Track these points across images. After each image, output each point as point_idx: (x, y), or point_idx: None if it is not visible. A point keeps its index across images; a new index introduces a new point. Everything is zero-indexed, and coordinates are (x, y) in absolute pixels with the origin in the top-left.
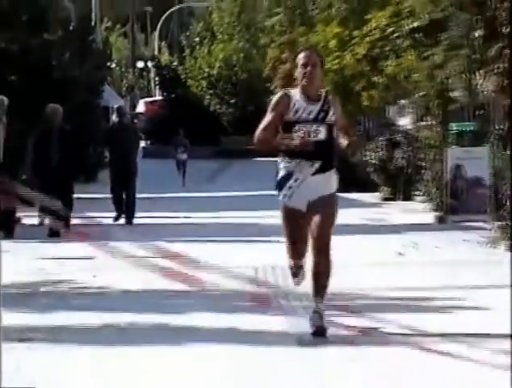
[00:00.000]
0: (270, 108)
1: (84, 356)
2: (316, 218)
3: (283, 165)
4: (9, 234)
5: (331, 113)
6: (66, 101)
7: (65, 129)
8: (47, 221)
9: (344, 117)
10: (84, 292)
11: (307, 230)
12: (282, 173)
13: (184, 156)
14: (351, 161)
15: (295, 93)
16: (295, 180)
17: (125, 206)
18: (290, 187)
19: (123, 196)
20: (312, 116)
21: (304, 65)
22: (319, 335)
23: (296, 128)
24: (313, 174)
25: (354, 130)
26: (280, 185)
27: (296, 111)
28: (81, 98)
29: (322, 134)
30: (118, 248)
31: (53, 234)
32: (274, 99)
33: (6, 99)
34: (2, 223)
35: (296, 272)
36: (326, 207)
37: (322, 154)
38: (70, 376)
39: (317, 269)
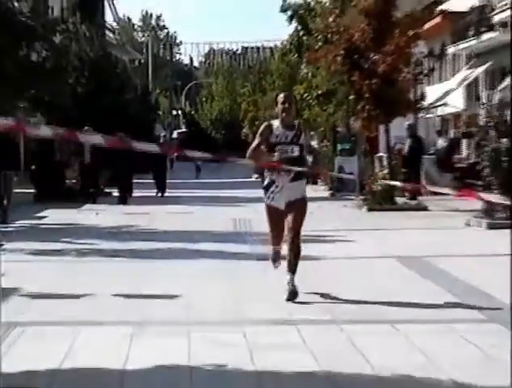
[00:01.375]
0: (258, 134)
1: (142, 263)
2: (291, 214)
3: (267, 175)
4: (94, 201)
5: (302, 137)
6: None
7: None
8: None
9: (309, 141)
10: (143, 231)
11: (283, 223)
12: (267, 181)
13: (199, 163)
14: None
15: (276, 123)
16: (277, 186)
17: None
18: (272, 192)
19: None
20: (288, 139)
21: (283, 103)
22: (294, 297)
23: (277, 148)
24: (290, 181)
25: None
26: (266, 190)
27: (277, 136)
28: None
29: (296, 152)
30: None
31: (121, 202)
32: (261, 127)
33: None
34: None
35: (275, 257)
36: (299, 206)
37: (296, 166)
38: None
39: (291, 250)
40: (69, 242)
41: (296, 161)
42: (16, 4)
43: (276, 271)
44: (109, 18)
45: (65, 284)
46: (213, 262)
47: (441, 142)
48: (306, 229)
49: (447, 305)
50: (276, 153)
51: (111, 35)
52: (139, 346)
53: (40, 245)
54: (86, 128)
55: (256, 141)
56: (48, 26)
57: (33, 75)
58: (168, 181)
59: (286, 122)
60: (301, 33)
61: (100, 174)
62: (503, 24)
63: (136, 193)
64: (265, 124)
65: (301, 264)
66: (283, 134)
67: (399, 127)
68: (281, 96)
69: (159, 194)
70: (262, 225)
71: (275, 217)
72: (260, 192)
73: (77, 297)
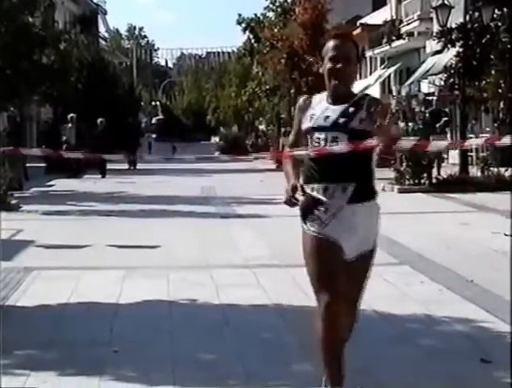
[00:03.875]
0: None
1: (130, 221)
2: (351, 271)
3: (306, 187)
4: (103, 176)
5: (360, 118)
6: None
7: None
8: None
9: (390, 128)
10: (130, 196)
11: (341, 274)
12: (304, 198)
13: (175, 144)
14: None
15: (321, 97)
16: (326, 211)
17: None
18: (318, 218)
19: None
20: (330, 123)
21: (334, 59)
22: None
23: (311, 136)
24: (349, 202)
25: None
26: (305, 212)
27: (311, 118)
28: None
29: (343, 144)
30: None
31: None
32: (297, 105)
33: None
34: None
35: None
36: (365, 260)
37: (354, 174)
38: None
39: (337, 328)
40: (73, 204)
41: (346, 164)
42: (31, 19)
43: (236, 226)
44: (102, 29)
45: (71, 237)
46: (186, 220)
47: None
48: (259, 194)
49: None
50: (308, 148)
51: (103, 42)
52: (129, 285)
53: (50, 207)
54: (71, 116)
55: (292, 134)
56: (55, 36)
57: (44, 75)
58: (149, 157)
59: (336, 94)
60: (253, 41)
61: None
62: (409, 34)
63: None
64: (301, 99)
65: (257, 221)
66: (323, 113)
67: None
68: (331, 44)
69: (131, 167)
70: (224, 191)
71: (327, 259)
72: (222, 165)
73: (80, 247)
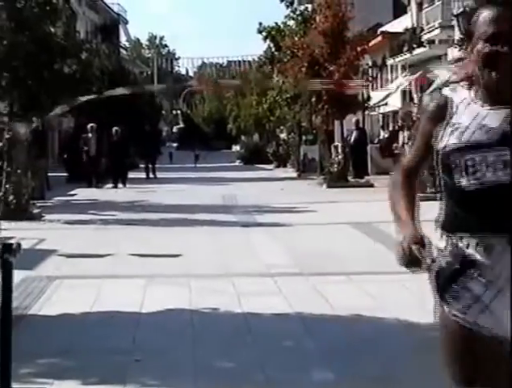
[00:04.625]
0: (417, 131)
1: (151, 230)
2: None
3: (445, 244)
4: (116, 186)
5: None
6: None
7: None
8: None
9: None
10: (151, 205)
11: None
12: (445, 261)
13: (197, 152)
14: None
15: (463, 94)
16: (488, 283)
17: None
18: (474, 297)
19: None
20: (495, 136)
21: (494, 39)
22: None
23: (463, 160)
24: None
25: None
26: (444, 286)
27: (456, 128)
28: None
29: None
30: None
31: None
32: (424, 113)
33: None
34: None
35: None
36: None
37: None
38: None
39: None
40: (95, 213)
41: None
42: (52, 29)
43: (257, 234)
44: (123, 38)
45: (92, 246)
46: (207, 228)
47: (383, 134)
48: (279, 202)
49: (391, 259)
50: (463, 179)
51: (124, 52)
52: (151, 294)
53: (72, 216)
54: (91, 125)
55: (411, 153)
56: (77, 45)
57: (65, 84)
58: (171, 165)
59: (495, 93)
60: (273, 49)
61: (100, 163)
62: (430, 41)
63: (138, 175)
64: (433, 102)
65: (278, 229)
66: (480, 122)
67: (348, 122)
68: (489, 16)
69: (151, 176)
70: (245, 199)
71: (486, 365)
72: (243, 173)
73: (102, 256)
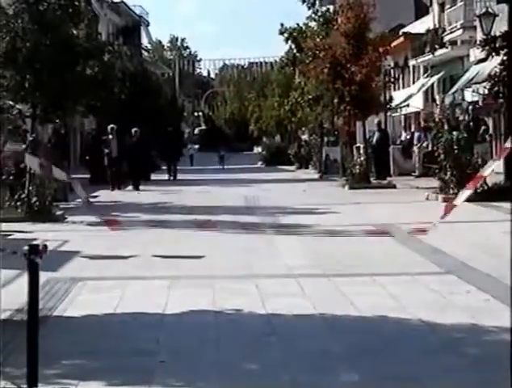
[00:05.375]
0: None
1: (174, 231)
2: None
3: None
4: (137, 188)
5: None
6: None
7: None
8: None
9: None
10: (174, 206)
11: None
12: None
13: (222, 153)
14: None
15: None
16: None
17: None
18: None
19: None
20: None
21: None
22: None
23: None
24: None
25: None
26: None
27: None
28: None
29: None
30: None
31: (135, 188)
32: None
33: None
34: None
35: None
36: None
37: None
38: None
39: None
40: (118, 215)
41: None
42: (75, 31)
43: (279, 236)
44: (144, 40)
45: (116, 247)
46: (230, 230)
47: (405, 135)
48: (302, 204)
49: (414, 261)
50: None
51: (146, 53)
52: (174, 295)
53: (95, 218)
54: (111, 126)
55: None
56: (99, 47)
57: (88, 86)
58: (193, 167)
59: None
60: (295, 51)
61: (122, 165)
62: (452, 42)
63: (160, 177)
64: None
65: (300, 231)
66: None
67: (370, 123)
68: None
69: (171, 178)
70: (267, 200)
71: None
72: (265, 175)
73: (125, 257)
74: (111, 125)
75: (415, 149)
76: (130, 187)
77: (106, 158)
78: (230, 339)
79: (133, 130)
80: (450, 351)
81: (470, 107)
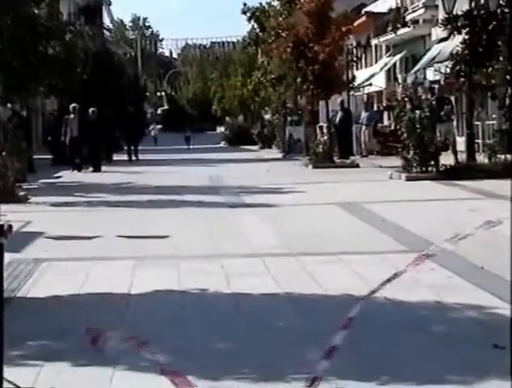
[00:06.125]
0: None
1: (139, 211)
2: None
3: None
4: (98, 169)
5: None
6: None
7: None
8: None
9: None
10: (138, 186)
11: None
12: None
13: (188, 133)
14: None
15: None
16: None
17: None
18: None
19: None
20: None
21: None
22: None
23: None
24: None
25: None
26: None
27: None
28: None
29: None
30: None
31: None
32: None
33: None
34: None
35: None
36: None
37: None
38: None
39: None
40: (81, 195)
41: None
42: (36, 10)
43: (245, 215)
44: (106, 20)
45: (80, 228)
46: (194, 209)
47: (363, 114)
48: (265, 183)
49: (379, 239)
50: None
51: (108, 33)
52: (140, 276)
53: (58, 198)
54: (73, 106)
55: None
56: (61, 27)
57: (50, 66)
58: (157, 148)
59: None
60: (258, 30)
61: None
62: (414, 21)
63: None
64: None
65: (265, 210)
66: None
67: (333, 102)
68: None
69: (133, 158)
70: (231, 180)
71: None
72: (228, 155)
73: (90, 238)
74: (73, 104)
75: (363, 128)
76: (90, 169)
77: (66, 138)
78: (196, 319)
79: (90, 110)
80: (416, 328)
81: (436, 86)
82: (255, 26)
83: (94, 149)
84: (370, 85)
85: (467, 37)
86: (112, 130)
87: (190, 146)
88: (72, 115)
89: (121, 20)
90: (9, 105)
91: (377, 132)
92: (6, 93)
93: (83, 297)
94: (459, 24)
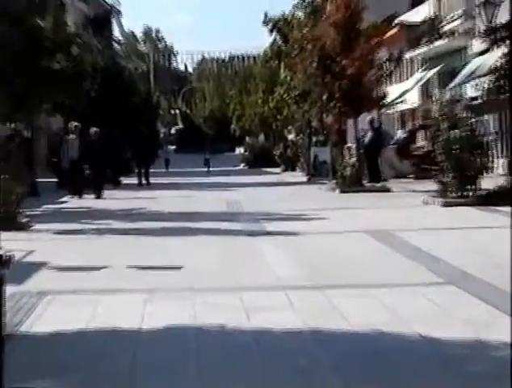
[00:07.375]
0: None
1: (150, 240)
2: None
3: None
4: (100, 196)
5: None
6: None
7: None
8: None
9: None
10: (150, 213)
11: None
12: None
13: (208, 155)
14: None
15: None
16: None
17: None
18: None
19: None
20: None
21: None
22: None
23: None
24: None
25: None
26: None
27: None
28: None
29: None
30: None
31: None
32: None
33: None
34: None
35: None
36: None
37: None
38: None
39: None
40: (88, 222)
41: None
42: (41, 22)
43: (266, 244)
44: (116, 32)
45: (86, 258)
46: (211, 238)
47: (400, 133)
48: (288, 209)
49: (411, 270)
50: None
51: (117, 46)
52: (152, 310)
53: (63, 225)
54: (74, 125)
55: None
56: (67, 40)
57: (55, 82)
58: (176, 170)
59: None
60: (280, 42)
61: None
62: (451, 33)
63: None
64: None
65: (288, 239)
66: None
67: (363, 121)
68: None
69: (143, 183)
70: (252, 206)
71: None
72: (248, 178)
73: (97, 268)
74: (75, 123)
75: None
76: (92, 196)
77: (65, 161)
78: (212, 357)
79: (92, 130)
80: (450, 367)
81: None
82: (277, 38)
83: (96, 174)
84: (402, 102)
85: (508, 50)
86: (119, 151)
87: (210, 169)
88: (72, 136)
89: (132, 32)
90: (12, 125)
91: (410, 154)
92: (6, 110)
93: (90, 333)
94: (499, 36)
